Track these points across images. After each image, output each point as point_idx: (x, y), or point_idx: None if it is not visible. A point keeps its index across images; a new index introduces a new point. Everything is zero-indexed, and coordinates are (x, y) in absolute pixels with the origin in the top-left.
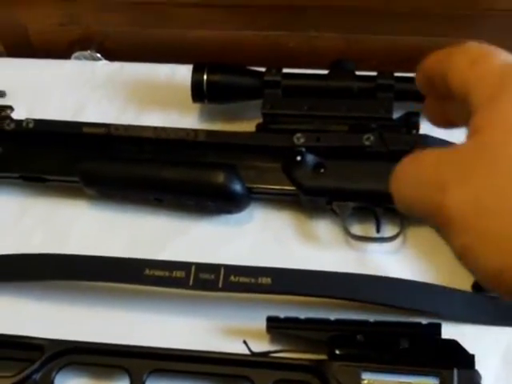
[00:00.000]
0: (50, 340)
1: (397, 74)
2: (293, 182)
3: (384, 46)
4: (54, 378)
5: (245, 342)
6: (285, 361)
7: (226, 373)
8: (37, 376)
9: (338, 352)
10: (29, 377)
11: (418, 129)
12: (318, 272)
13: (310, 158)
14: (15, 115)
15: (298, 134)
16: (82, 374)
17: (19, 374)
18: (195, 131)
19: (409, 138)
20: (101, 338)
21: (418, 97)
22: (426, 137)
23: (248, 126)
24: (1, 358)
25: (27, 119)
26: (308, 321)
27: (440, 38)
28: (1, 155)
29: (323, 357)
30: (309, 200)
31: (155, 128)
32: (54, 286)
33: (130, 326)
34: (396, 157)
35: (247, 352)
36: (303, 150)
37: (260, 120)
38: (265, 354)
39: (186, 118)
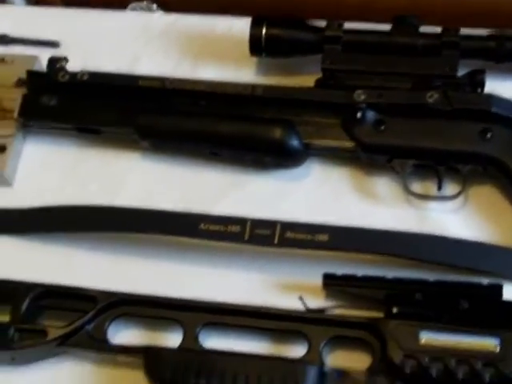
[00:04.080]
0: (104, 291)
1: (462, 31)
2: (352, 138)
3: (449, 0)
4: (107, 328)
5: (301, 298)
6: (341, 318)
7: (280, 328)
8: (89, 326)
9: (395, 310)
10: (82, 327)
11: (483, 87)
12: (376, 230)
13: (371, 115)
14: (69, 66)
15: (359, 91)
16: (135, 326)
17: (72, 324)
18: (252, 86)
19: (474, 96)
20: (154, 291)
21: (483, 54)
22: (490, 96)
23: (306, 81)
24: (54, 308)
25: (82, 71)
26: (365, 278)
27: None
28: (56, 106)
29: (380, 315)
30: (368, 157)
31: (211, 82)
32: (108, 237)
33: (184, 279)
34: (460, 115)
35: (302, 308)
36: (364, 106)
37: (319, 75)
38: (320, 311)
39: (243, 72)
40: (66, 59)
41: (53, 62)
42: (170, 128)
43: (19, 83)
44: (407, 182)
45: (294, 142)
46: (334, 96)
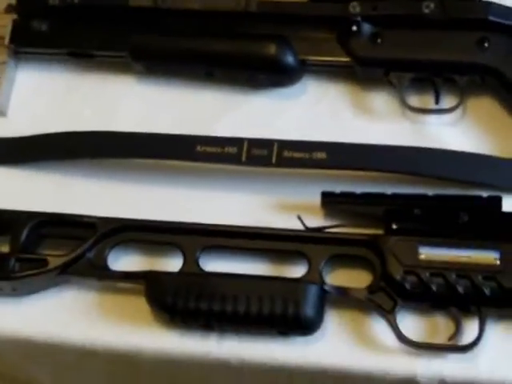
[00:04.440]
0: (103, 218)
1: None
2: (348, 52)
3: None
4: (108, 255)
5: (299, 218)
6: (340, 236)
7: (280, 248)
8: (90, 254)
9: (394, 226)
10: (82, 255)
11: None
12: (374, 145)
13: (367, 28)
14: None
15: (354, 3)
16: (135, 252)
17: (73, 252)
18: (246, 1)
19: (470, 4)
20: (152, 216)
21: None
22: (488, 3)
23: None
24: (54, 237)
25: None
26: (364, 195)
27: None
28: (47, 31)
29: (379, 232)
30: (365, 71)
31: None
32: (104, 164)
33: (182, 203)
34: (456, 25)
35: (301, 228)
36: (359, 19)
37: None
38: (320, 230)
39: None
40: None
41: None
42: (164, 49)
43: (9, 9)
44: (404, 96)
45: (289, 58)
46: (328, 9)
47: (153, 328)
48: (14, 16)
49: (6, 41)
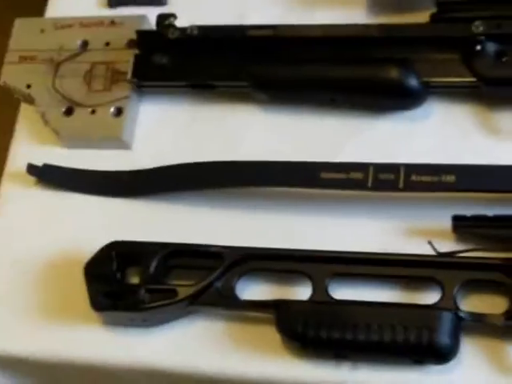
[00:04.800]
0: (230, 247)
1: None
2: (473, 72)
3: None
4: (236, 284)
5: (430, 243)
6: (474, 260)
7: (411, 274)
8: (218, 283)
9: None
10: (211, 284)
11: None
12: (503, 166)
13: (491, 47)
14: (178, 23)
15: (477, 22)
16: (263, 281)
17: (201, 282)
18: (366, 26)
19: None
20: (279, 244)
21: None
22: None
23: (419, 18)
24: (182, 267)
25: (191, 26)
26: (496, 218)
27: None
28: (168, 64)
29: None
30: (491, 90)
31: (323, 26)
32: (229, 193)
33: (308, 231)
34: None
35: (432, 253)
36: (483, 38)
37: (432, 10)
38: (452, 254)
39: (355, 13)
40: (174, 16)
41: (161, 19)
42: (286, 77)
43: (131, 44)
44: None
45: (412, 81)
46: (450, 30)
47: (285, 358)
48: (136, 51)
49: (129, 75)
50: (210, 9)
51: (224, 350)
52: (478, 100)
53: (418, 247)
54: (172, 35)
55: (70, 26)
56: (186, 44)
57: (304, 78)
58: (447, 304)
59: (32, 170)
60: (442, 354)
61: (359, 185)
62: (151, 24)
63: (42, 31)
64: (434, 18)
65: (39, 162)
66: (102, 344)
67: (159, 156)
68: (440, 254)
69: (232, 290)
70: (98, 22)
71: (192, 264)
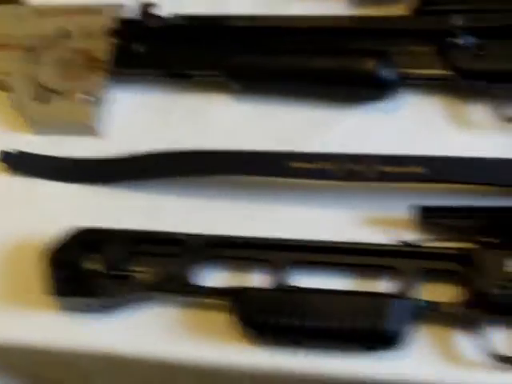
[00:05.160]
0: (191, 234)
1: None
2: (450, 65)
3: None
4: (196, 271)
5: (391, 232)
6: (432, 250)
7: (369, 263)
8: (178, 270)
9: (487, 240)
10: (170, 271)
11: None
12: (472, 158)
13: (469, 40)
14: (158, 11)
15: (456, 15)
16: (223, 268)
17: (161, 268)
18: (347, 18)
19: None
20: (242, 232)
21: None
22: None
23: (400, 10)
24: (145, 254)
25: (171, 15)
26: (458, 209)
27: None
28: (146, 53)
29: (473, 246)
30: (466, 84)
31: (304, 17)
32: (197, 182)
33: (272, 219)
34: None
35: (391, 242)
36: (461, 31)
37: (412, 3)
38: (411, 244)
39: (336, 5)
40: (155, 5)
41: (143, 7)
42: (262, 67)
43: (109, 32)
44: (506, 108)
45: (389, 73)
46: (430, 23)
47: (241, 345)
48: (113, 39)
49: (107, 63)
50: None
51: (181, 337)
52: (451, 93)
53: (379, 236)
54: (153, 24)
55: (48, 13)
56: (164, 33)
57: (278, 68)
58: (405, 292)
59: (6, 156)
60: (392, 341)
61: (329, 175)
62: (129, 12)
63: (20, 18)
64: (413, 10)
65: (12, 149)
66: (60, 329)
67: (133, 144)
68: (399, 244)
69: (192, 277)
70: (76, 10)
71: (154, 251)
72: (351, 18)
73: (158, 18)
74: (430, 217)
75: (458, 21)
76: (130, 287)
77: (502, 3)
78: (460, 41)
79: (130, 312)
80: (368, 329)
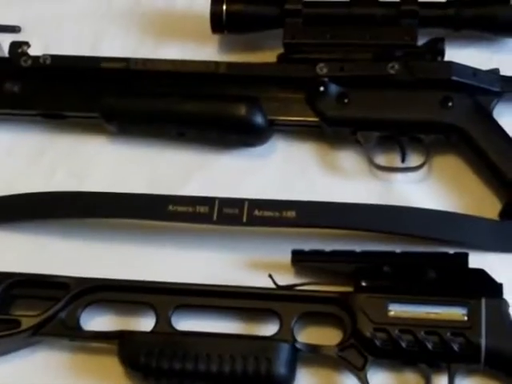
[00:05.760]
0: (75, 278)
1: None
2: (316, 112)
3: None
4: (80, 315)
5: (270, 276)
6: (311, 293)
7: (251, 306)
8: (63, 314)
9: (364, 284)
10: (55, 315)
11: (443, 55)
12: (342, 204)
13: (334, 88)
14: (31, 51)
15: (321, 64)
16: (108, 312)
17: (45, 312)
18: (216, 63)
19: (434, 65)
20: (124, 275)
21: (442, 22)
22: (450, 64)
23: (269, 57)
24: (27, 297)
25: (44, 55)
26: (333, 253)
27: None
28: (19, 93)
29: (349, 289)
30: (333, 131)
31: (175, 61)
32: (76, 224)
33: (154, 262)
34: (421, 84)
35: (272, 286)
36: (326, 80)
37: (281, 50)
38: (290, 287)
39: (206, 50)
40: (27, 44)
41: (14, 46)
42: (136, 110)
43: None
44: (371, 154)
45: (259, 119)
46: (296, 70)
47: None
48: None
49: None
50: (64, 37)
51: (67, 381)
52: (320, 139)
53: (259, 280)
54: (25, 63)
55: None
56: (38, 73)
57: (152, 111)
58: (285, 335)
59: None
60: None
61: (204, 218)
62: (4, 51)
63: None
64: (281, 58)
65: None
66: None
67: (8, 184)
68: (279, 287)
69: (76, 320)
70: None
71: (38, 294)
72: (222, 64)
73: (28, 56)
74: (300, 260)
75: (322, 69)
76: (14, 332)
77: (364, 53)
78: (325, 89)
79: (15, 357)
80: (252, 373)
